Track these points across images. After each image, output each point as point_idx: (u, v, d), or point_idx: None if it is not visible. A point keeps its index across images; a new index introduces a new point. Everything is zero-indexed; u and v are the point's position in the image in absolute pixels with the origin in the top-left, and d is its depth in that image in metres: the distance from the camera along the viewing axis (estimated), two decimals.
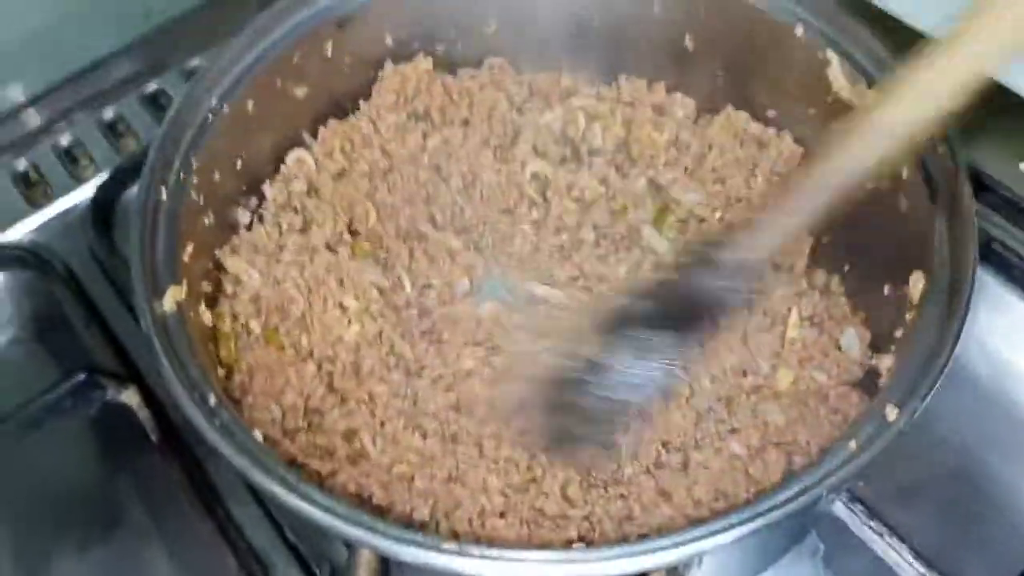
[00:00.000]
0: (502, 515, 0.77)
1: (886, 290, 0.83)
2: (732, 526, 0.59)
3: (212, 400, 0.67)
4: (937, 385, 0.64)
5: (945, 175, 0.75)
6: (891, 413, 0.64)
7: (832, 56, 0.85)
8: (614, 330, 0.76)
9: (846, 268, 0.89)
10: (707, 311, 0.76)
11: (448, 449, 0.78)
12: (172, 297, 0.72)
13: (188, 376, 0.67)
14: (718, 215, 0.90)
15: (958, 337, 0.65)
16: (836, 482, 0.60)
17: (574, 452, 0.78)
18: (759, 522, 0.58)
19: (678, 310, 0.76)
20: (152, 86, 1.14)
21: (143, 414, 0.90)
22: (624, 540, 0.73)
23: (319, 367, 0.82)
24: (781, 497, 0.61)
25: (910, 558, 0.81)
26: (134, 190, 0.95)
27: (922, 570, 0.81)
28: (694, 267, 0.76)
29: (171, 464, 0.88)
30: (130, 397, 0.91)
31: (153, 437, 0.90)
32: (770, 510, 0.59)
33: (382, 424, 0.79)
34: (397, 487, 0.75)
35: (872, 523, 0.83)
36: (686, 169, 0.93)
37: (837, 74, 0.85)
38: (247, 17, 0.88)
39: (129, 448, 0.90)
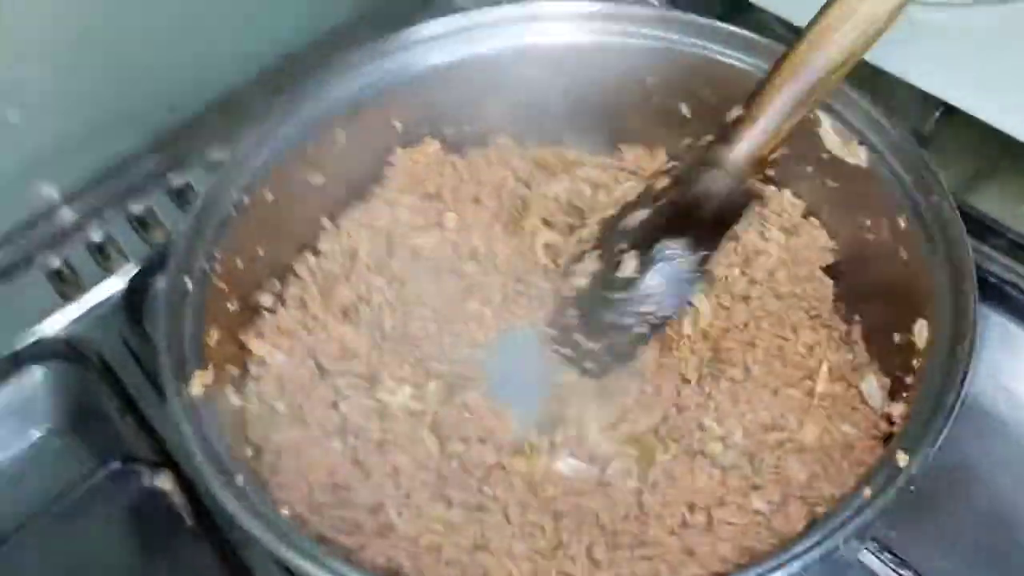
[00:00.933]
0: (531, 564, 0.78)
1: (896, 338, 0.85)
2: None
3: (239, 480, 0.69)
4: (945, 430, 0.65)
5: (940, 224, 0.77)
6: (902, 459, 0.65)
7: (823, 117, 0.88)
8: (635, 244, 0.78)
9: (857, 318, 0.91)
10: (714, 211, 0.78)
11: (474, 517, 0.80)
12: (199, 381, 0.75)
13: (216, 457, 0.69)
14: (736, 271, 0.91)
15: (963, 382, 0.67)
16: (852, 530, 0.61)
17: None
18: (781, 573, 0.59)
19: (691, 216, 0.78)
20: (178, 180, 1.17)
21: (178, 499, 0.92)
22: None
23: (344, 442, 0.84)
24: (801, 547, 0.61)
25: None
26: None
27: None
28: (700, 170, 0.78)
29: (205, 547, 0.89)
30: (164, 482, 0.92)
31: (188, 521, 0.91)
32: (792, 559, 0.60)
33: (407, 496, 0.81)
34: (425, 558, 0.77)
35: (903, 572, 0.82)
36: None
37: (828, 133, 0.88)
38: (265, 109, 0.92)
39: (165, 532, 0.92)
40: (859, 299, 0.92)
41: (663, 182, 0.83)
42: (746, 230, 0.94)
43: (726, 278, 0.92)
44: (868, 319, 0.90)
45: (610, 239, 0.83)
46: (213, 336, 0.81)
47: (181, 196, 1.17)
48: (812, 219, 0.96)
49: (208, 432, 0.71)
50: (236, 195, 0.88)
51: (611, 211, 0.90)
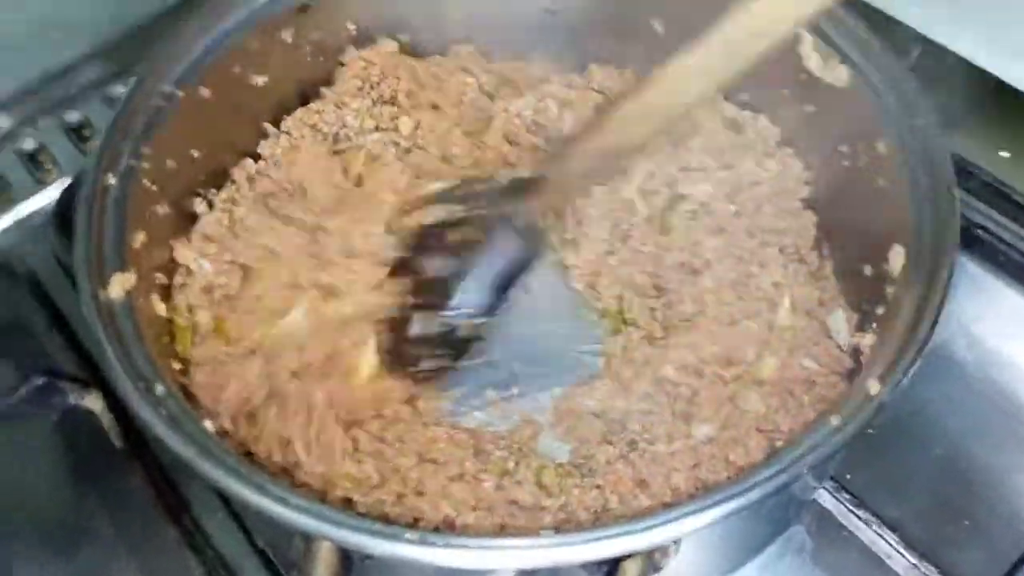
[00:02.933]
0: (474, 508, 0.73)
1: (867, 270, 0.81)
2: (708, 507, 0.56)
3: (159, 390, 0.63)
4: (920, 357, 0.61)
5: (923, 148, 0.73)
6: (873, 387, 0.61)
7: (804, 34, 0.82)
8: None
9: (828, 252, 0.87)
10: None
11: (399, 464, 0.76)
12: (119, 285, 0.69)
13: (133, 365, 0.63)
14: (732, 208, 0.87)
15: (940, 310, 0.63)
16: (818, 458, 0.57)
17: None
18: (737, 502, 0.55)
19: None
20: (119, 89, 1.11)
21: (106, 419, 0.88)
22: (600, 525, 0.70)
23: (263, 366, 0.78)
24: (760, 476, 0.58)
25: (900, 548, 0.79)
26: None
27: (913, 560, 0.78)
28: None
29: (135, 471, 0.85)
30: (93, 402, 0.89)
31: (117, 443, 0.87)
32: (749, 489, 0.56)
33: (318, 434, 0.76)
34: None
35: (860, 512, 0.81)
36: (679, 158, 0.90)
37: (809, 51, 0.82)
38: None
39: (92, 455, 0.87)
40: (833, 233, 0.88)
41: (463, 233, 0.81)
42: (740, 156, 0.89)
43: (708, 206, 0.87)
44: (841, 253, 0.86)
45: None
46: (138, 239, 0.74)
47: None
48: (786, 148, 0.91)
49: (125, 338, 0.65)
50: (168, 88, 0.80)
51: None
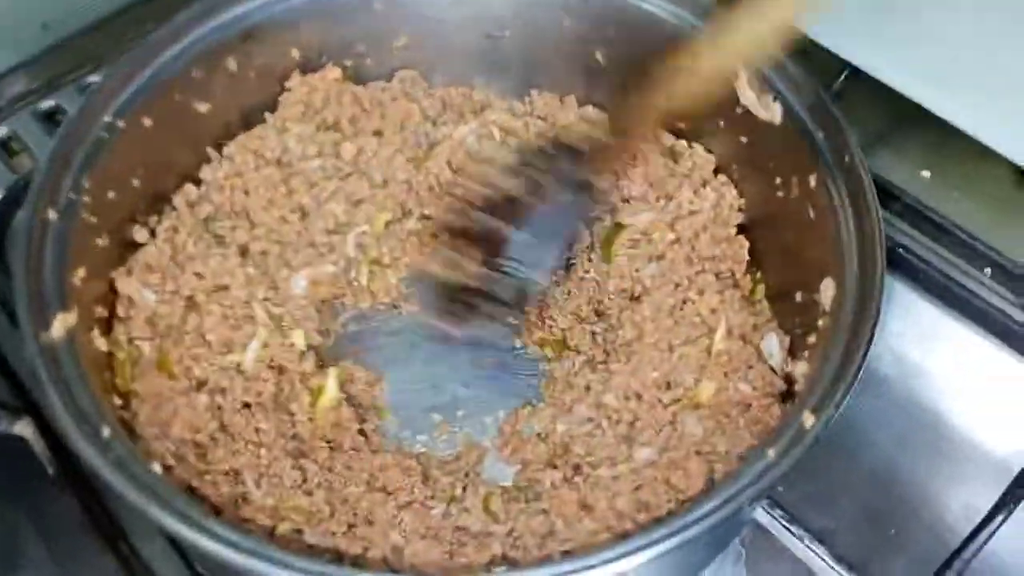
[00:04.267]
0: (423, 536, 0.74)
1: (798, 297, 0.84)
2: (656, 541, 0.58)
3: (105, 432, 0.63)
4: (852, 390, 0.64)
5: (850, 185, 0.76)
6: (808, 420, 0.64)
7: (740, 69, 0.85)
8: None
9: (760, 276, 0.91)
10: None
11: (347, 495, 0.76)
12: (61, 324, 0.68)
13: (78, 407, 0.63)
14: (671, 236, 0.89)
15: (870, 342, 0.66)
16: (756, 492, 0.59)
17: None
18: (682, 536, 0.57)
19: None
20: (48, 103, 1.09)
21: (39, 446, 0.85)
22: (547, 558, 0.72)
23: (211, 398, 0.78)
24: (703, 510, 0.60)
25: (831, 562, 0.82)
26: None
27: (844, 573, 0.81)
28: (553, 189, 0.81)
29: (70, 498, 0.83)
30: (24, 428, 0.85)
31: (50, 470, 0.84)
32: (692, 524, 0.58)
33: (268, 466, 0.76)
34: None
35: (793, 528, 0.83)
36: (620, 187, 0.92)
37: (744, 87, 0.85)
38: (149, 32, 0.84)
39: (25, 482, 0.85)
40: (765, 259, 0.91)
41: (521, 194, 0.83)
42: (679, 186, 0.91)
43: (649, 235, 0.89)
44: (773, 278, 0.89)
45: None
46: (78, 274, 0.73)
47: (50, 120, 1.07)
48: (721, 176, 0.94)
49: (69, 379, 0.64)
50: (109, 119, 0.79)
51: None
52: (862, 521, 0.89)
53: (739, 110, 0.87)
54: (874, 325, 0.66)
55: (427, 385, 0.91)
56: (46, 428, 0.84)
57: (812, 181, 0.79)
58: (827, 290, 0.74)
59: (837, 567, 0.82)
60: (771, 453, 0.62)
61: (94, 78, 1.08)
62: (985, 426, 0.94)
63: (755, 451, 0.64)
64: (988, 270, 0.97)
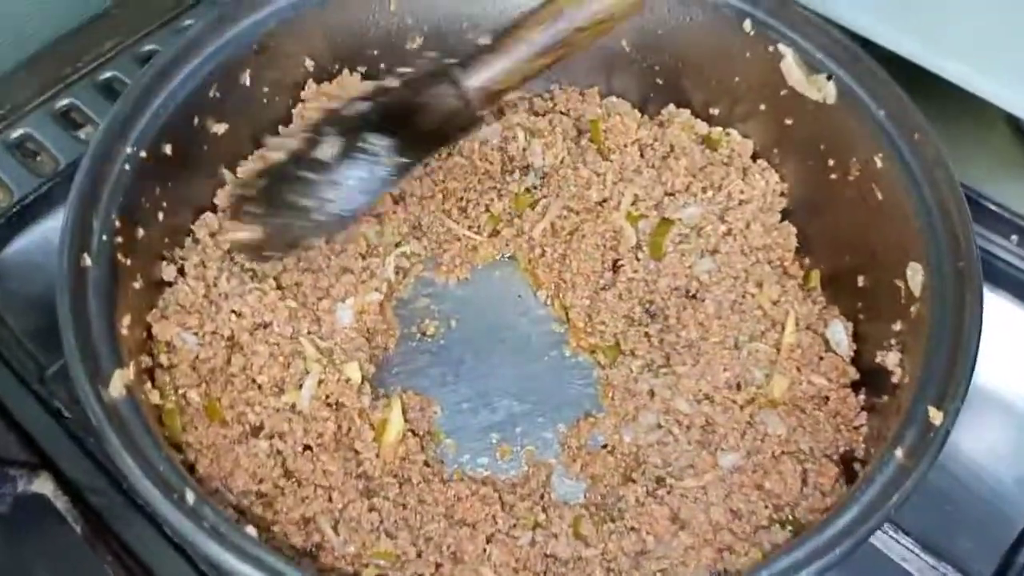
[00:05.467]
0: (516, 570, 0.70)
1: (860, 281, 0.82)
2: (804, 562, 0.55)
3: (191, 498, 0.57)
4: (970, 382, 0.62)
5: (923, 163, 0.74)
6: (935, 416, 0.61)
7: (786, 50, 0.82)
8: (343, 132, 0.74)
9: (811, 263, 0.88)
10: (434, 125, 0.75)
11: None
12: (120, 381, 0.62)
13: (158, 474, 0.57)
14: (723, 229, 0.86)
15: (980, 326, 0.63)
16: (901, 499, 0.56)
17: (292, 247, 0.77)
18: (830, 557, 0.54)
19: (408, 122, 0.74)
20: (63, 101, 1.02)
21: (61, 502, 0.79)
22: None
23: (271, 444, 0.73)
24: (842, 522, 0.57)
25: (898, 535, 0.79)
26: (19, 242, 0.88)
27: (915, 549, 0.79)
28: (432, 82, 0.75)
29: (101, 555, 0.77)
30: (43, 485, 0.79)
31: (76, 527, 0.78)
32: (839, 541, 0.55)
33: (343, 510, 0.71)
34: None
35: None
36: (663, 180, 0.88)
37: (791, 67, 0.82)
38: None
39: (50, 541, 0.79)
40: (814, 243, 0.88)
41: (393, 83, 0.77)
42: (726, 175, 0.88)
43: (699, 229, 0.86)
44: (828, 264, 0.87)
45: (322, 124, 0.76)
46: (124, 323, 0.67)
47: (65, 118, 1.01)
48: (760, 161, 0.91)
49: (140, 442, 0.58)
50: (131, 150, 0.73)
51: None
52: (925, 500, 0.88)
53: (784, 92, 0.85)
54: (980, 311, 0.64)
55: (479, 404, 0.86)
56: (66, 483, 0.79)
57: (878, 161, 0.77)
58: (915, 275, 0.71)
59: (905, 540, 0.79)
60: (899, 454, 0.60)
61: (107, 73, 1.02)
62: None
63: (883, 454, 0.60)
64: (1015, 237, 0.97)
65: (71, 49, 1.06)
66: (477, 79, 0.74)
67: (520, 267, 0.94)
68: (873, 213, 0.79)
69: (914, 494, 0.58)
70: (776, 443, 0.77)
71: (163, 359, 0.73)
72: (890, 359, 0.73)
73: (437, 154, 0.92)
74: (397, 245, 0.89)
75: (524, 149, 0.94)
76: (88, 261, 0.66)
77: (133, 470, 0.56)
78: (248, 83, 0.83)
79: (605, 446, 0.83)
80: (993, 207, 0.95)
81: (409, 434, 0.78)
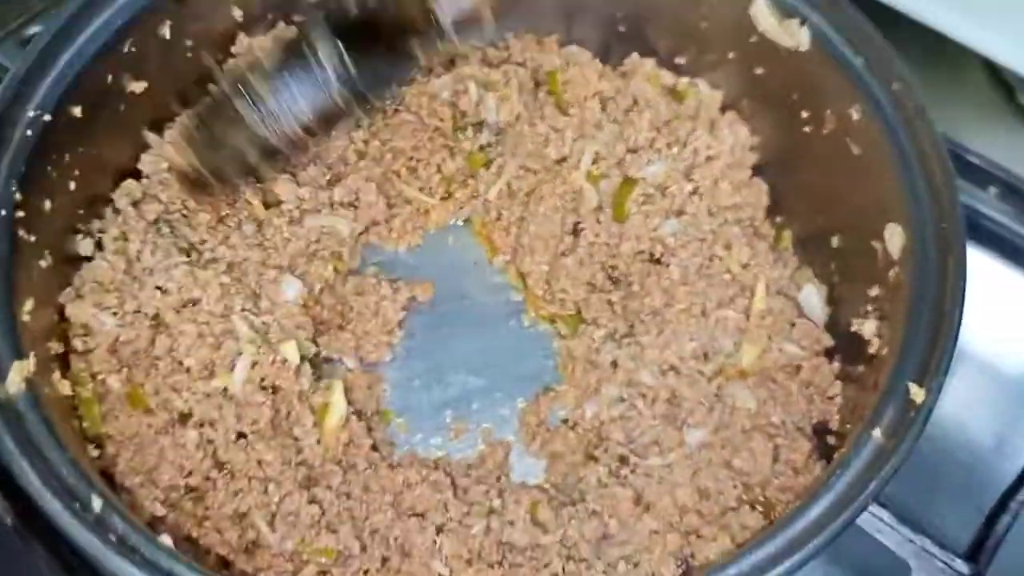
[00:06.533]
0: (469, 562, 0.66)
1: (835, 242, 0.77)
2: (785, 554, 0.50)
3: (96, 505, 0.51)
4: (951, 355, 0.57)
5: (904, 115, 0.68)
6: (916, 393, 0.56)
7: None
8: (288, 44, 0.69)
9: (781, 221, 0.83)
10: (387, 39, 0.69)
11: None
12: (18, 374, 0.55)
13: (59, 479, 0.51)
14: (688, 188, 0.80)
15: (964, 295, 0.58)
16: (881, 484, 0.52)
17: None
18: (812, 546, 0.49)
19: (361, 28, 0.68)
20: None
21: None
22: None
23: (200, 433, 0.67)
24: (817, 510, 0.52)
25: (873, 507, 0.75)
26: None
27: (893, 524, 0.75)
28: None
29: (35, 548, 0.71)
30: None
31: (8, 519, 0.72)
32: (821, 531, 0.50)
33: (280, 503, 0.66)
34: None
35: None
36: (625, 136, 0.82)
37: (762, 11, 0.76)
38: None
39: None
40: (786, 202, 0.83)
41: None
42: (692, 130, 0.82)
43: (664, 188, 0.80)
44: (800, 223, 0.81)
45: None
46: (26, 307, 0.60)
47: None
48: (729, 113, 0.85)
49: (40, 443, 0.52)
50: (33, 113, 0.66)
51: None
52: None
53: (754, 38, 0.78)
54: (963, 279, 0.59)
55: (431, 379, 0.81)
56: None
57: (855, 113, 0.71)
58: (894, 237, 0.66)
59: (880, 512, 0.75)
60: (877, 433, 0.55)
61: (34, 28, 0.92)
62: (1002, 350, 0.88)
63: (860, 433, 0.56)
64: (993, 189, 0.92)
65: None
66: None
67: (475, 231, 0.88)
68: (849, 169, 0.73)
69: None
70: (745, 417, 0.72)
71: (77, 343, 0.67)
72: (867, 328, 0.68)
73: (383, 113, 0.86)
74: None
75: (477, 104, 0.87)
76: None
77: (30, 479, 0.50)
78: (168, 35, 0.76)
79: (565, 421, 0.78)
80: (972, 158, 0.90)
81: (354, 417, 0.73)
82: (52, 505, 0.49)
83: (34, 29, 0.92)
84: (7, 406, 0.53)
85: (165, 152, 0.74)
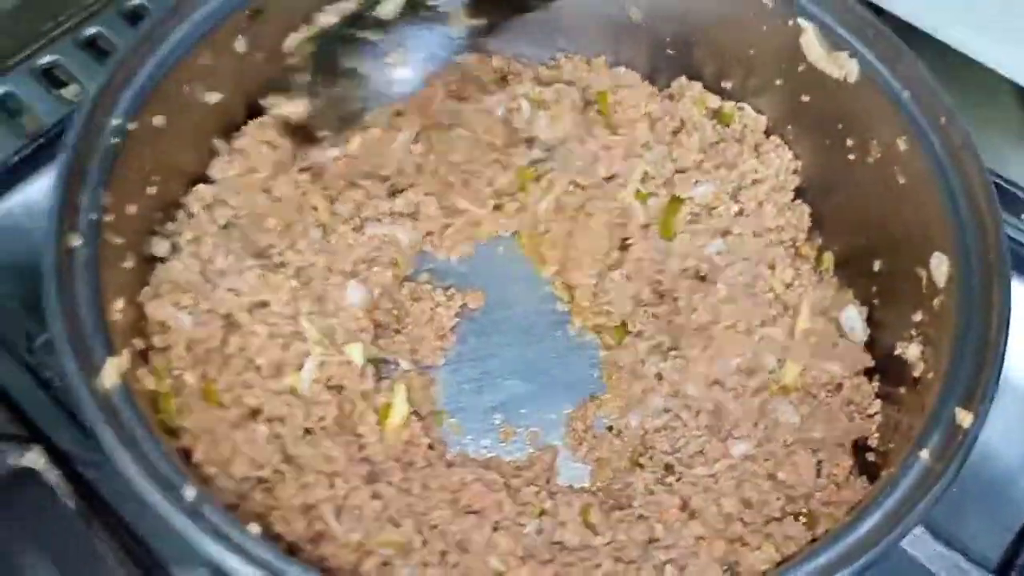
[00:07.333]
0: (523, 559, 0.69)
1: (876, 266, 0.80)
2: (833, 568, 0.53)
3: (190, 494, 0.54)
4: (999, 379, 0.60)
5: (950, 149, 0.71)
6: (964, 417, 0.59)
7: (806, 24, 0.79)
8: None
9: (821, 243, 0.86)
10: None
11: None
12: (114, 370, 0.58)
13: (156, 470, 0.54)
14: (735, 208, 0.83)
15: (1008, 324, 0.61)
16: (928, 506, 0.55)
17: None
18: (853, 568, 0.52)
19: None
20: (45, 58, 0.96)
21: (52, 477, 0.76)
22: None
23: (270, 428, 0.70)
24: (866, 528, 0.55)
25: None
26: (3, 205, 0.84)
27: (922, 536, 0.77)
28: None
29: (97, 532, 0.74)
30: (34, 459, 0.76)
31: (69, 503, 0.75)
32: (868, 550, 0.53)
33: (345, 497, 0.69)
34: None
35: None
36: (673, 156, 0.85)
37: (812, 43, 0.79)
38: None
39: (42, 518, 0.76)
40: (827, 224, 0.86)
41: None
42: (739, 153, 0.85)
43: (711, 208, 0.83)
44: (841, 246, 0.85)
45: None
46: (117, 306, 0.64)
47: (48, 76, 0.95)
48: (774, 137, 0.88)
49: (137, 436, 0.56)
50: (119, 121, 0.69)
51: None
52: None
53: (802, 67, 0.81)
54: (1008, 308, 0.61)
55: (482, 384, 0.84)
56: (59, 456, 0.76)
57: (902, 144, 0.74)
58: (940, 265, 0.69)
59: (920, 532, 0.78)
60: (925, 455, 0.58)
61: (91, 29, 0.97)
62: None
63: (908, 455, 0.59)
64: None
65: (51, 3, 1.01)
66: None
67: (523, 244, 0.91)
68: (894, 197, 0.76)
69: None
70: (788, 431, 0.75)
71: (156, 340, 0.70)
72: (911, 351, 0.71)
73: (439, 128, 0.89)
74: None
75: (529, 121, 0.90)
76: (77, 241, 0.63)
77: (130, 467, 0.53)
78: (243, 50, 0.79)
79: (611, 429, 0.82)
80: (1004, 184, 0.93)
81: (413, 417, 0.76)
82: (153, 495, 0.52)
83: (91, 30, 0.98)
84: (104, 400, 0.56)
85: (269, 101, 0.75)
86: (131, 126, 0.70)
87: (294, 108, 0.69)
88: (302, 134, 0.72)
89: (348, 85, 0.68)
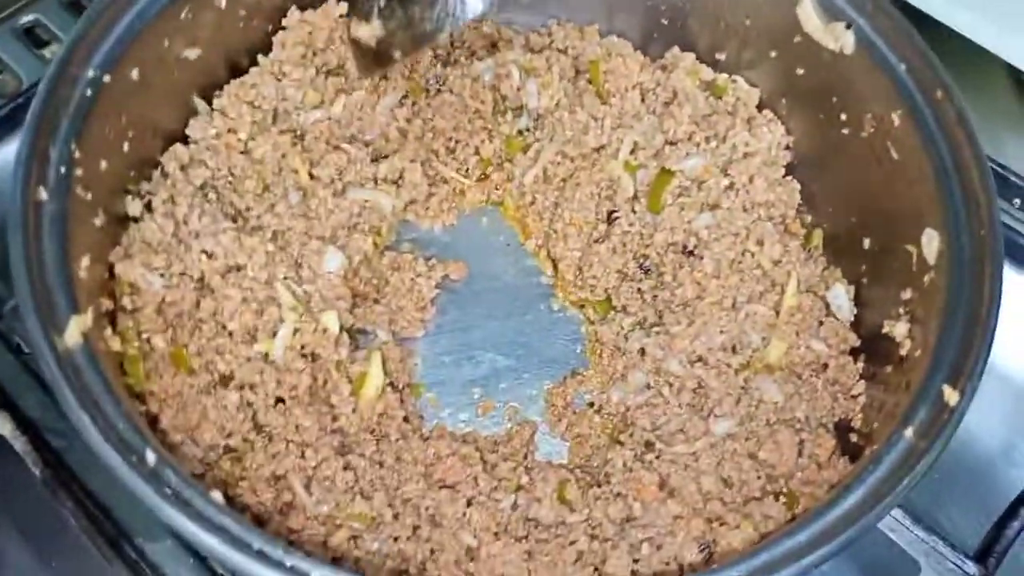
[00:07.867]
0: (496, 535, 0.67)
1: (866, 243, 0.78)
2: (808, 550, 0.52)
3: (151, 459, 0.53)
4: (986, 359, 0.58)
5: (944, 123, 0.69)
6: (951, 395, 0.58)
7: None
8: None
9: (812, 221, 0.84)
10: None
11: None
12: (77, 328, 0.57)
13: (116, 432, 0.52)
14: (724, 182, 0.81)
15: (999, 301, 0.60)
16: (910, 485, 0.53)
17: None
18: (836, 543, 0.51)
19: None
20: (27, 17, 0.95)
21: (19, 444, 0.75)
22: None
23: (241, 395, 0.69)
24: (848, 504, 0.54)
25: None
26: None
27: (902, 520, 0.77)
28: None
29: (62, 500, 0.73)
30: (1, 425, 0.75)
31: (36, 470, 0.75)
32: (847, 528, 0.52)
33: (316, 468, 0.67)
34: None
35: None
36: (664, 128, 0.83)
37: (809, 13, 0.77)
38: None
39: (7, 484, 0.75)
40: (817, 201, 0.84)
41: None
42: (731, 125, 0.83)
43: (700, 182, 0.81)
44: (831, 223, 0.83)
45: None
46: (83, 264, 0.62)
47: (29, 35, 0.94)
48: (766, 111, 0.86)
49: (97, 396, 0.54)
50: (94, 73, 0.67)
51: None
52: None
53: (798, 39, 0.80)
54: (999, 285, 0.60)
55: (462, 356, 0.83)
56: (26, 423, 0.75)
57: (896, 119, 0.72)
58: (931, 242, 0.67)
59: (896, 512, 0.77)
60: (909, 433, 0.56)
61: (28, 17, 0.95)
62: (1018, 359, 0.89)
63: (892, 432, 0.57)
64: (1017, 200, 0.93)
65: None
66: None
67: (508, 214, 0.90)
68: (887, 173, 0.74)
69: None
70: (771, 410, 0.74)
71: (126, 302, 0.68)
72: (899, 330, 0.69)
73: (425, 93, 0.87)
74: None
75: (518, 88, 0.88)
76: (44, 195, 0.61)
77: (89, 429, 0.51)
78: (223, 5, 0.77)
79: (591, 405, 0.80)
80: (996, 168, 0.91)
81: (388, 388, 0.74)
82: (111, 458, 0.50)
83: (27, 17, 0.95)
84: (66, 359, 0.54)
85: (351, 26, 0.74)
86: (106, 79, 0.68)
87: (370, 30, 0.67)
88: (373, 55, 0.71)
89: (421, 6, 0.67)
